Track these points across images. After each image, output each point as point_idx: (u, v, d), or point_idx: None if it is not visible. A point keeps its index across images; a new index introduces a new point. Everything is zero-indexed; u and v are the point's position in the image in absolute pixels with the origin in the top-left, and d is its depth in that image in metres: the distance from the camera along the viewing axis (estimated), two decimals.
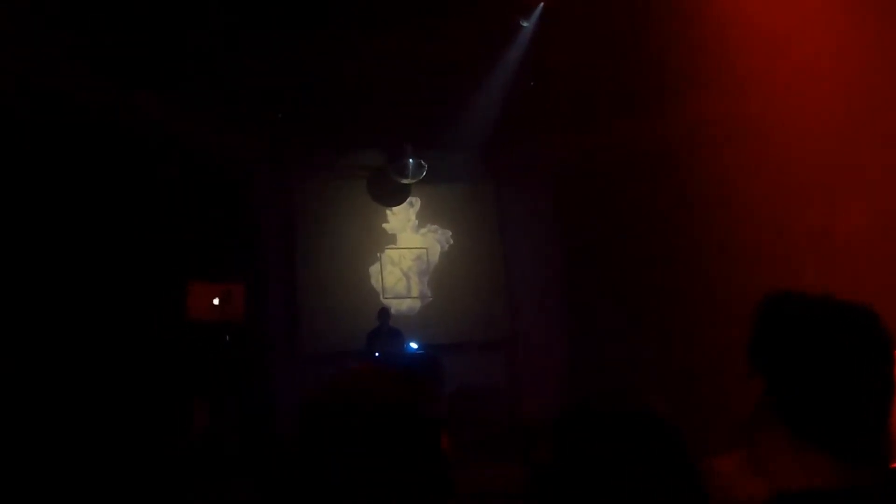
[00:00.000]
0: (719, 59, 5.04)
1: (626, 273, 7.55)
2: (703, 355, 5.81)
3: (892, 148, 4.53)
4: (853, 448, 1.05)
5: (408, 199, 9.21)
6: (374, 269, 9.03)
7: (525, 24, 5.58)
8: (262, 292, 8.01)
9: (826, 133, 4.80)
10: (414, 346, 8.32)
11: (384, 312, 8.21)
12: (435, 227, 9.31)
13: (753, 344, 1.19)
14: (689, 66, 5.26)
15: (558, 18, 5.52)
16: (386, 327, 8.08)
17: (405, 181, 8.84)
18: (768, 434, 1.15)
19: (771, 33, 4.74)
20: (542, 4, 5.31)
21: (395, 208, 9.22)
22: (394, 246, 9.17)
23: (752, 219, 5.58)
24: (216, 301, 6.57)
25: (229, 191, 7.64)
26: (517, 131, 8.05)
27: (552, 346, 8.63)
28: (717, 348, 4.57)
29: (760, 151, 5.30)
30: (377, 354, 7.82)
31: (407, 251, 9.20)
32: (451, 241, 9.30)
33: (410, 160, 8.64)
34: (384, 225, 9.18)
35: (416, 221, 9.30)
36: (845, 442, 1.05)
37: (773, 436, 1.13)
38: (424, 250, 9.24)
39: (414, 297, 9.13)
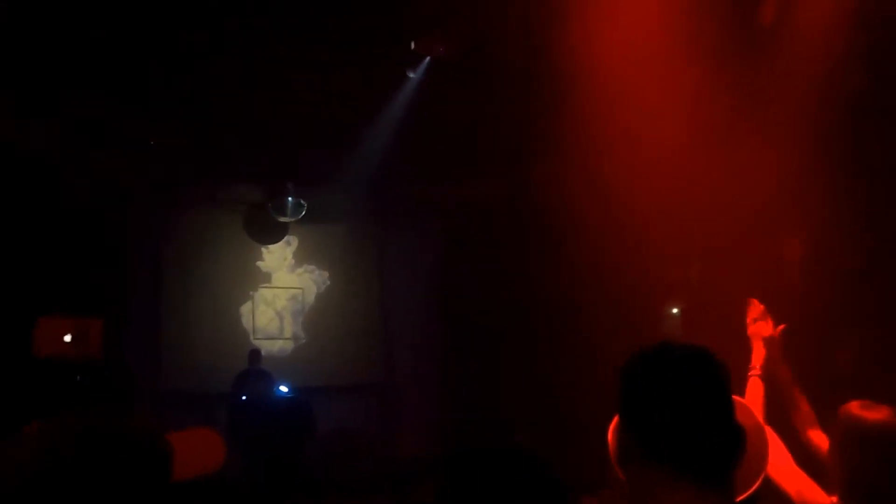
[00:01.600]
0: (589, 118, 5.43)
1: (502, 316, 7.82)
2: (574, 395, 6.10)
3: (744, 206, 5.08)
4: (713, 473, 1.21)
5: (285, 238, 9.05)
6: (245, 308, 8.74)
7: (412, 74, 5.78)
8: (125, 328, 7.49)
9: (684, 194, 5.30)
10: (284, 388, 8.09)
11: (254, 354, 7.96)
12: (312, 267, 9.20)
13: (619, 392, 1.36)
14: (564, 124, 5.63)
15: (445, 72, 5.76)
16: (255, 369, 7.82)
17: (283, 219, 8.70)
18: (636, 469, 1.28)
19: (635, 99, 5.19)
20: (428, 58, 5.54)
21: (271, 246, 9.02)
22: (268, 285, 8.94)
23: (620, 271, 6.00)
24: (68, 337, 6.08)
25: (94, 218, 7.16)
26: (402, 175, 8.20)
27: (427, 387, 8.70)
28: (587, 389, 4.82)
29: (628, 208, 5.75)
30: (244, 398, 7.53)
31: (282, 291, 9.00)
32: (329, 283, 9.21)
33: (290, 198, 8.53)
34: (259, 263, 8.95)
35: (293, 261, 9.14)
36: (703, 466, 1.21)
37: (642, 471, 1.26)
38: (300, 290, 9.09)
39: (286, 339, 8.91)
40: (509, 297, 7.62)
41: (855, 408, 2.00)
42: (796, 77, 4.58)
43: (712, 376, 1.27)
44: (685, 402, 1.23)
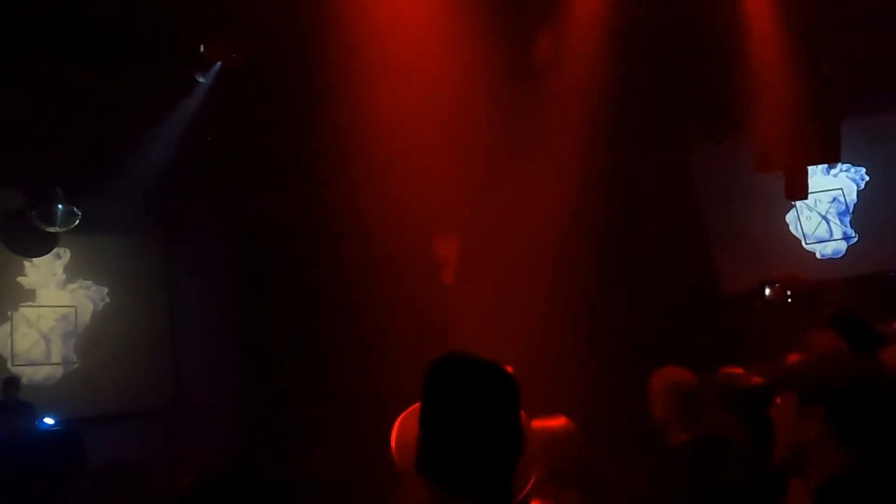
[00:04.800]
0: (377, 140, 5.50)
1: (296, 334, 7.65)
2: (373, 410, 6.12)
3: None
4: (490, 491, 1.21)
5: (55, 250, 8.04)
6: (2, 330, 7.64)
7: (202, 79, 5.46)
8: None
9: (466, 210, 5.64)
10: (49, 421, 7.20)
11: (11, 383, 7.01)
12: (88, 282, 8.27)
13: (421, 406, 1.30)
14: (356, 143, 5.67)
15: (236, 79, 5.52)
16: (13, 401, 6.87)
17: (52, 229, 7.71)
18: (417, 490, 1.27)
19: (421, 119, 5.37)
20: (219, 63, 5.26)
21: (36, 260, 7.97)
22: (31, 303, 7.89)
23: (413, 288, 6.18)
24: None
25: None
26: (193, 185, 7.71)
27: (219, 412, 8.19)
28: (384, 405, 4.87)
29: (415, 227, 5.96)
30: None
31: (49, 310, 7.98)
32: (108, 299, 8.34)
33: (60, 206, 7.59)
34: (20, 279, 7.87)
35: (64, 276, 8.16)
36: (482, 485, 1.20)
37: (421, 490, 1.25)
38: (72, 309, 8.12)
39: (55, 364, 7.92)
40: (304, 315, 7.49)
41: (539, 420, 2.36)
42: (563, 106, 5.17)
43: (507, 396, 1.24)
44: (477, 424, 1.19)
